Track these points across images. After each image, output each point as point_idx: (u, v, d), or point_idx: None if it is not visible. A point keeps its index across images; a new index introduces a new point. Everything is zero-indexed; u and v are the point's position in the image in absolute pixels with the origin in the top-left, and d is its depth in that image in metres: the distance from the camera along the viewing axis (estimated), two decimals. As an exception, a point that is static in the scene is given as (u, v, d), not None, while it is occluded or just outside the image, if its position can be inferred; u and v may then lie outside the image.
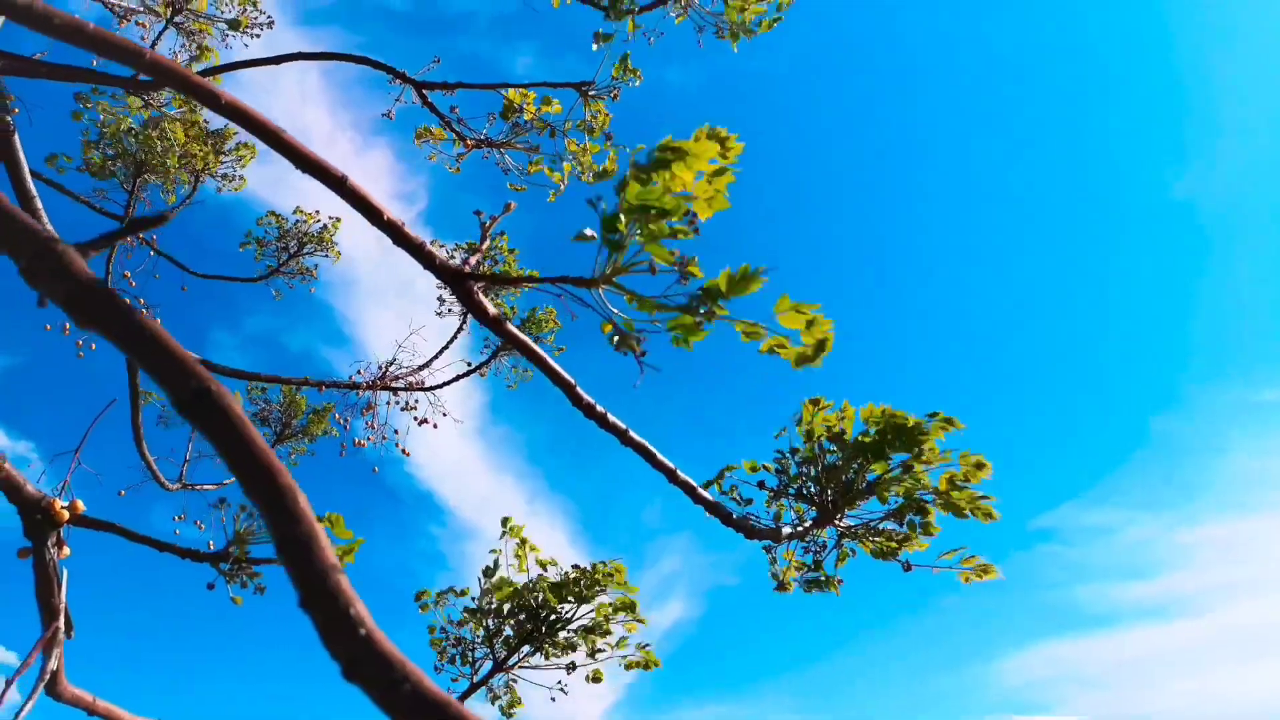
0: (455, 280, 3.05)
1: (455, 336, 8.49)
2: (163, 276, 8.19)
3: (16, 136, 5.55)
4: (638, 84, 6.77)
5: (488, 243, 3.41)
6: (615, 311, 2.99)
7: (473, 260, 3.22)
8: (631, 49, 6.60)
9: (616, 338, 3.14)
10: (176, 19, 6.44)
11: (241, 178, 9.09)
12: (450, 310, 8.98)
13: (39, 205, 5.56)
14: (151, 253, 9.17)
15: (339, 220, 10.29)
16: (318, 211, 10.28)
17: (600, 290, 2.99)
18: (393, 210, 3.12)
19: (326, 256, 10.31)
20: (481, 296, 3.13)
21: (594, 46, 6.35)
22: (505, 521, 5.98)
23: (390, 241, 2.97)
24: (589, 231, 2.88)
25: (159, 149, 6.53)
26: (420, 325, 9.12)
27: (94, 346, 6.92)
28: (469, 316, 8.92)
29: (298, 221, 10.29)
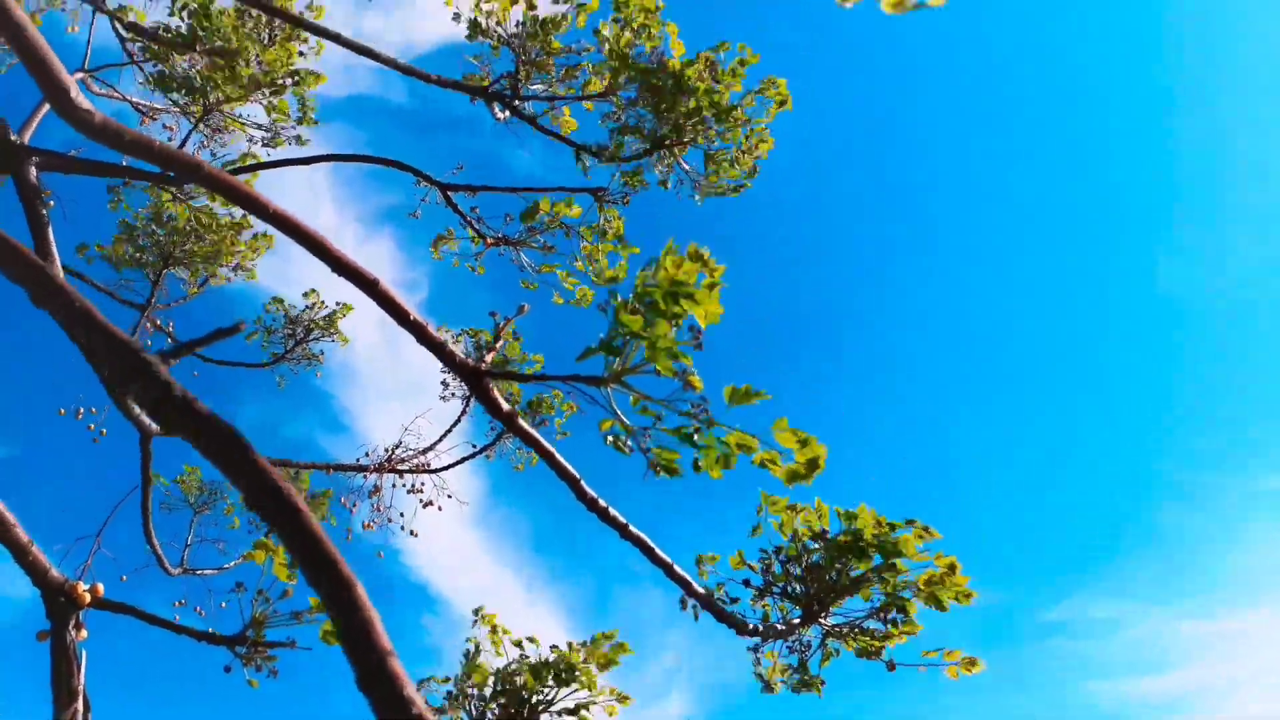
0: (473, 377, 3.27)
1: (459, 420, 8.71)
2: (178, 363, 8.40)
3: (51, 230, 5.86)
4: (645, 192, 7.22)
5: (502, 341, 3.64)
6: (619, 414, 3.20)
7: (488, 358, 3.44)
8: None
9: (611, 438, 3.34)
10: (206, 118, 6.87)
11: (253, 267, 9.42)
12: (453, 394, 9.20)
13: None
14: (168, 340, 9.44)
15: (349, 305, 10.50)
16: (324, 301, 10.52)
17: (609, 389, 3.22)
18: (405, 305, 3.36)
19: (334, 342, 10.52)
20: (496, 393, 3.35)
21: (600, 163, 6.80)
22: (477, 611, 6.16)
23: (415, 339, 3.20)
24: (595, 346, 3.13)
25: (205, 241, 6.90)
26: (427, 409, 9.32)
27: (104, 432, 7.10)
28: (471, 400, 9.14)
29: (306, 307, 10.46)
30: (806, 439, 2.90)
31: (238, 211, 8.44)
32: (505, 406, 3.43)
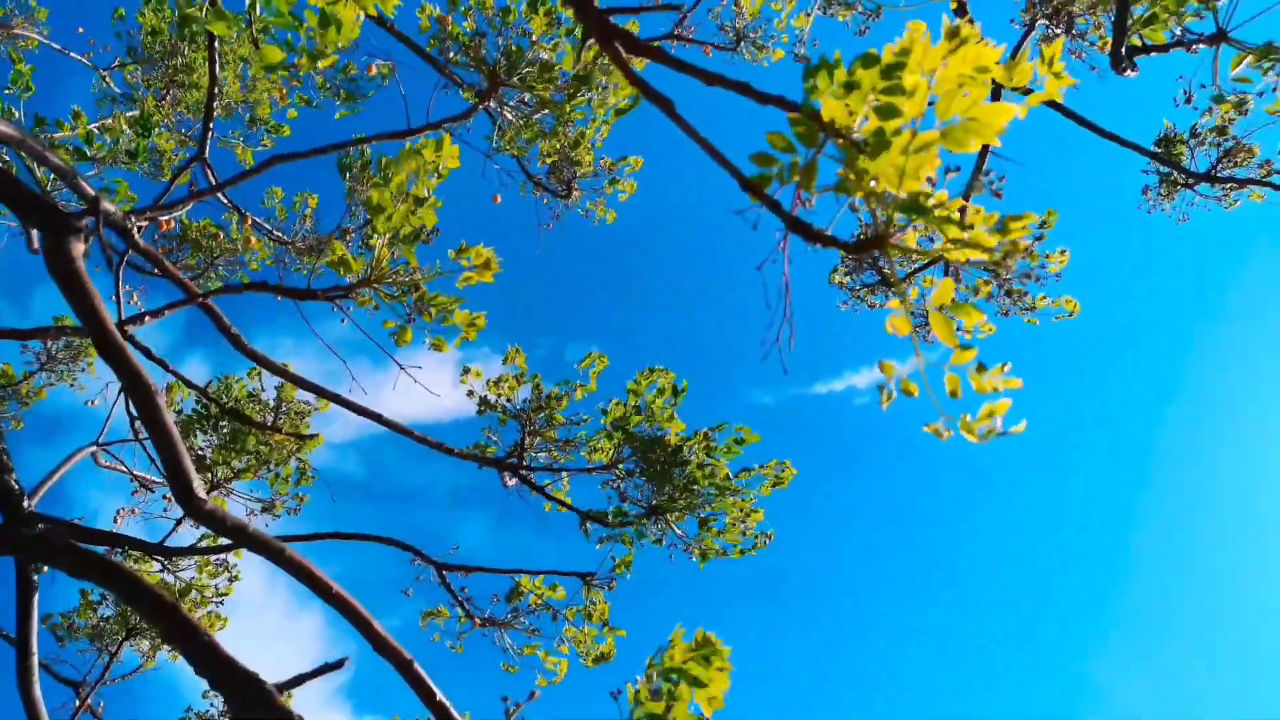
0: (488, 760, 3.52)
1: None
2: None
3: (36, 596, 6.13)
4: (630, 577, 7.75)
5: (514, 725, 3.90)
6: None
7: (502, 741, 3.70)
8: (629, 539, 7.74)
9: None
10: (212, 491, 7.47)
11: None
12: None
13: (34, 664, 5.96)
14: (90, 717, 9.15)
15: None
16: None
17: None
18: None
19: (275, 734, 10.21)
20: (508, 778, 3.58)
21: (599, 546, 7.43)
22: None
23: (436, 718, 3.50)
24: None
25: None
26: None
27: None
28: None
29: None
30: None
31: (211, 584, 8.73)
32: (516, 794, 3.64)
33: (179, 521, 7.60)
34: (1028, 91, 2.66)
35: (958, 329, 2.18)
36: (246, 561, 9.44)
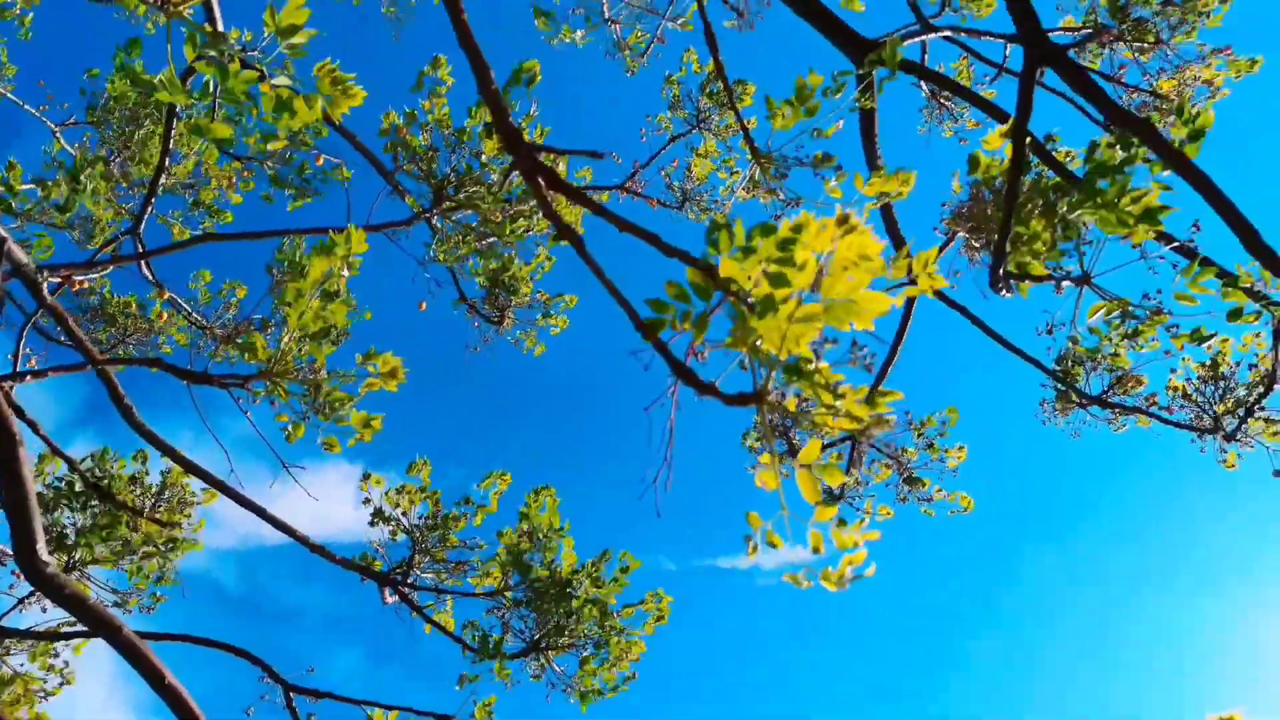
0: None
1: None
2: None
3: None
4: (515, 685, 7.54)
5: None
6: None
7: None
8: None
9: None
10: (70, 571, 7.12)
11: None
12: None
13: None
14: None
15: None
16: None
17: None
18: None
19: None
20: None
21: (458, 687, 7.27)
22: None
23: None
24: None
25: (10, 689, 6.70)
26: None
27: None
28: None
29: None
30: None
31: (54, 681, 8.20)
32: None
33: (21, 601, 7.18)
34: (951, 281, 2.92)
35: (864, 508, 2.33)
36: (85, 672, 8.84)
